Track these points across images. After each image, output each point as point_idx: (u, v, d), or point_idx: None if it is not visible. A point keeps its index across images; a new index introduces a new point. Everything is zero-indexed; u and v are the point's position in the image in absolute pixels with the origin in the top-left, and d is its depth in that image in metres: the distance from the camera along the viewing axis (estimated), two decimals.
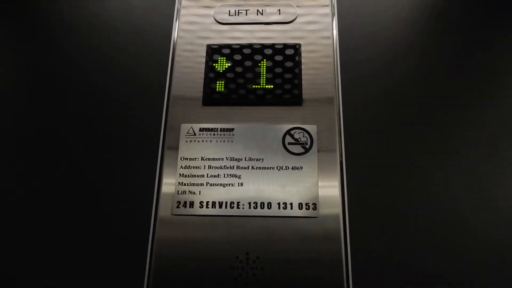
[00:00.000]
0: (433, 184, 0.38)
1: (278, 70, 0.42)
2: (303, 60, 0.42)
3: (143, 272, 0.35)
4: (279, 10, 0.45)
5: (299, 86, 0.41)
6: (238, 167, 0.38)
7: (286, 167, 0.38)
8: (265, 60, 0.42)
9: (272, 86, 0.41)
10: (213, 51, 0.43)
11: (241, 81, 0.41)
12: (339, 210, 0.36)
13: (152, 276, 0.35)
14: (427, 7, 0.46)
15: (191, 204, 0.37)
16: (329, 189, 0.37)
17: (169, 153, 0.39)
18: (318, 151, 0.38)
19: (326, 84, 0.41)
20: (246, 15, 0.45)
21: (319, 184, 0.37)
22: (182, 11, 0.45)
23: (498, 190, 0.38)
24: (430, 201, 0.37)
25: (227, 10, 0.45)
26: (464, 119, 0.40)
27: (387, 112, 0.41)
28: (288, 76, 0.41)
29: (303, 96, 0.41)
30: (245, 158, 0.38)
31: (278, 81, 0.41)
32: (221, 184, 0.37)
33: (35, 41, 0.46)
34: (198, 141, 0.39)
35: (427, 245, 0.36)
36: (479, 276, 0.35)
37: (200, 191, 0.37)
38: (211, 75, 0.42)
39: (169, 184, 0.38)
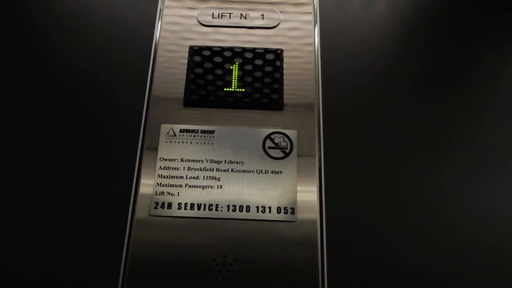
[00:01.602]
0: (414, 191, 0.39)
1: (259, 74, 0.42)
2: (285, 66, 0.42)
3: (117, 273, 0.35)
4: (263, 15, 0.45)
5: (280, 91, 0.41)
6: (217, 170, 0.38)
7: (265, 171, 0.38)
8: (246, 64, 0.42)
9: (253, 90, 0.41)
10: (195, 52, 0.43)
11: (222, 83, 0.41)
12: (316, 215, 0.37)
13: (127, 276, 0.34)
14: (410, 16, 0.47)
15: (169, 205, 0.36)
16: (308, 194, 0.37)
17: (148, 153, 0.38)
18: (298, 156, 0.39)
19: (307, 90, 0.42)
20: (230, 18, 0.45)
21: (298, 189, 0.37)
22: (165, 11, 0.45)
23: (491, 195, 0.39)
24: (410, 208, 0.38)
25: (210, 12, 0.45)
26: (450, 125, 0.42)
27: (368, 119, 0.41)
28: (269, 80, 0.41)
29: (284, 101, 0.41)
30: (225, 160, 0.38)
31: (260, 85, 0.41)
32: (200, 186, 0.37)
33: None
34: (178, 142, 0.39)
35: (404, 252, 0.37)
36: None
37: (178, 193, 0.37)
38: (193, 76, 0.41)
39: (147, 185, 0.37)
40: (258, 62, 0.42)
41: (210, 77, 0.41)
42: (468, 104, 0.43)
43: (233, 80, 0.41)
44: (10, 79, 0.42)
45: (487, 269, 0.36)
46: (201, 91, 0.41)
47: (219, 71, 0.42)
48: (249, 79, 0.41)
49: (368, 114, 0.42)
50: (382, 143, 0.40)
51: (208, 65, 0.42)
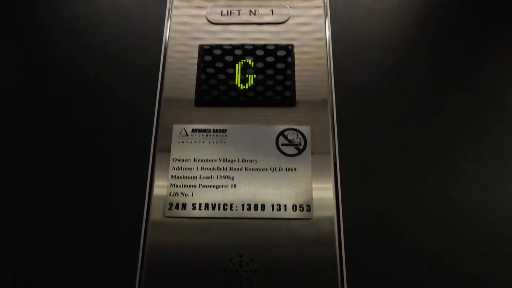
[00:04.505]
0: (430, 187, 0.38)
1: (271, 71, 0.41)
2: (296, 62, 0.42)
3: (134, 276, 0.35)
4: (272, 10, 0.44)
5: (292, 87, 0.40)
6: (231, 169, 0.37)
7: (279, 168, 0.37)
8: (257, 61, 0.42)
9: (265, 87, 0.40)
10: (205, 51, 0.42)
11: (233, 82, 0.41)
12: (333, 213, 0.36)
13: (144, 279, 0.34)
14: (421, 8, 0.46)
15: (184, 206, 0.36)
16: (323, 191, 0.37)
17: (161, 155, 0.38)
18: (312, 153, 0.38)
19: (320, 86, 0.41)
20: (239, 15, 0.44)
21: (313, 186, 0.37)
22: (174, 12, 0.45)
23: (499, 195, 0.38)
24: (427, 203, 0.37)
25: (219, 10, 0.44)
26: (465, 120, 0.40)
27: (382, 114, 0.40)
28: (281, 77, 0.41)
29: (297, 98, 0.40)
30: (238, 159, 0.38)
31: (271, 82, 0.41)
32: (214, 186, 0.37)
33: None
34: (191, 142, 0.38)
35: (423, 248, 0.36)
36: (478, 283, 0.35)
37: (192, 193, 0.37)
38: (203, 76, 0.41)
39: (161, 187, 0.37)
40: (269, 58, 0.42)
41: (221, 75, 0.41)
42: (486, 91, 0.42)
43: (244, 78, 0.41)
44: (19, 85, 0.43)
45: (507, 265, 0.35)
46: (212, 90, 0.40)
47: (229, 69, 0.41)
48: (260, 76, 0.41)
49: (383, 108, 0.41)
50: (399, 139, 0.39)
51: (218, 63, 0.42)
